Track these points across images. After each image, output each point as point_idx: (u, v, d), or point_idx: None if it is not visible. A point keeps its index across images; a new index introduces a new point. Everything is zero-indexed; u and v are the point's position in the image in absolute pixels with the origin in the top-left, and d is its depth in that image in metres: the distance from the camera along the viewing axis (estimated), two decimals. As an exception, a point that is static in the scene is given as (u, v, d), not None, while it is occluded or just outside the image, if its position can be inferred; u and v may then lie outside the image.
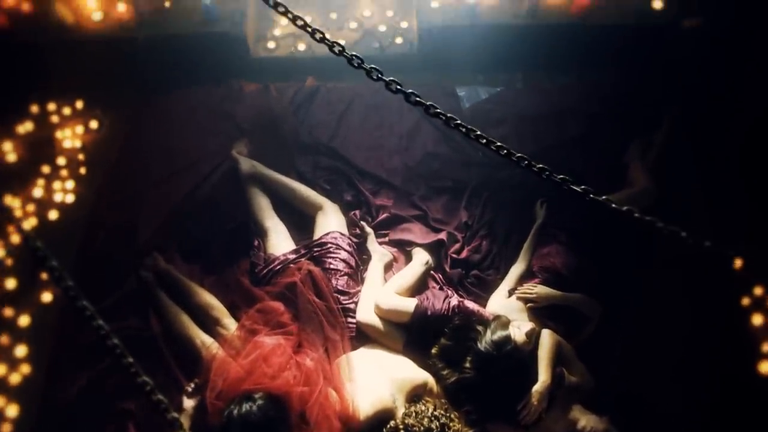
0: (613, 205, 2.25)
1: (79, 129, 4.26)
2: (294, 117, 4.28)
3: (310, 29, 2.27)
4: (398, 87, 2.25)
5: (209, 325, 3.39)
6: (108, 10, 4.22)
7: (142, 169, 4.08)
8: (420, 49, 4.43)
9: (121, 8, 4.25)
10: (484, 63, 4.38)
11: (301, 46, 4.44)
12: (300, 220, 3.81)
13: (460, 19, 4.30)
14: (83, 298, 1.83)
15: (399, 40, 4.44)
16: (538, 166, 2.17)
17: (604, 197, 2.21)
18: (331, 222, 3.67)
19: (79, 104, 4.34)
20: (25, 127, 4.19)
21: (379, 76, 2.22)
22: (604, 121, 4.13)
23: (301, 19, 2.29)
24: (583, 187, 2.19)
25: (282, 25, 4.46)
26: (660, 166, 3.83)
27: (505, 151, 2.21)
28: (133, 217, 3.88)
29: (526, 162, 2.18)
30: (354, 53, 2.27)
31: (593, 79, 4.30)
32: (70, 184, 4.07)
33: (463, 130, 2.20)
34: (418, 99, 2.23)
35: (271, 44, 4.42)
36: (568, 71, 4.34)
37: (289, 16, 2.30)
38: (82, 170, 4.15)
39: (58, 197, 4.02)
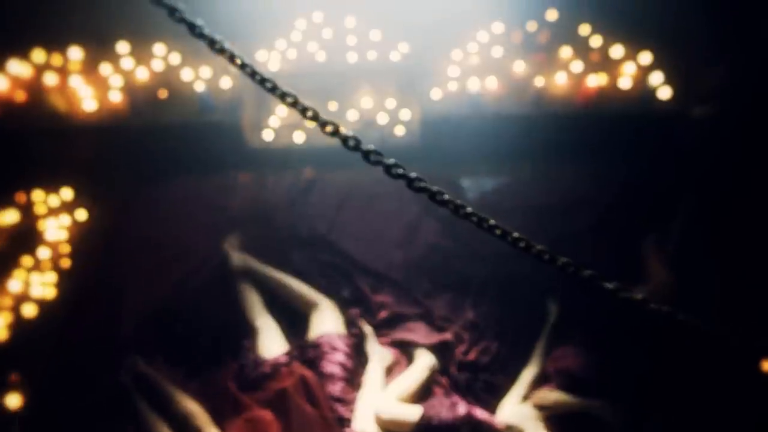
0: (649, 306, 1.91)
1: (66, 219, 3.99)
2: (290, 209, 4.03)
3: (320, 122, 1.97)
4: (400, 171, 1.94)
5: (190, 436, 2.98)
6: (102, 99, 4.02)
7: (128, 262, 3.80)
8: (422, 139, 4.19)
9: (116, 98, 4.04)
10: (489, 153, 4.13)
11: (299, 137, 4.20)
12: (294, 317, 3.49)
13: (462, 108, 4.08)
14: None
15: (400, 131, 4.21)
16: (562, 260, 1.83)
17: (639, 296, 1.86)
18: (326, 321, 3.33)
19: (67, 194, 4.08)
20: (9, 217, 3.91)
21: (379, 158, 1.91)
22: (616, 212, 3.87)
23: (312, 110, 1.99)
24: (613, 284, 1.84)
25: (280, 116, 4.24)
26: (678, 258, 3.54)
27: (524, 243, 1.87)
28: (114, 313, 3.57)
29: (548, 256, 1.84)
30: (373, 149, 1.95)
31: (603, 168, 4.04)
32: (51, 277, 3.76)
33: (475, 219, 1.87)
34: (422, 185, 1.92)
35: (267, 134, 4.19)
36: (577, 160, 4.08)
37: (299, 107, 2.00)
38: (66, 263, 3.85)
39: (37, 291, 3.69)
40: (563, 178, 4.10)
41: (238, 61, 2.03)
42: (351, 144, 1.94)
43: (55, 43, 3.98)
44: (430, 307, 3.61)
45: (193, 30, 1.97)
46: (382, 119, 4.24)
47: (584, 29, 4.02)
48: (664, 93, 3.92)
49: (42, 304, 3.68)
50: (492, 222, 1.88)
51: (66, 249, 3.92)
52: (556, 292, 3.52)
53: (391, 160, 1.94)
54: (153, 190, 4.09)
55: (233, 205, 4.03)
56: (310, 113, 1.99)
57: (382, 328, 3.52)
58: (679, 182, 3.88)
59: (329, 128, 1.97)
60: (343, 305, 3.56)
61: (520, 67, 4.04)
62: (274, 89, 2.04)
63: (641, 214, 3.81)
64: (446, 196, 1.91)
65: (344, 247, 3.86)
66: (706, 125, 3.91)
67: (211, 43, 2.01)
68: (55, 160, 4.05)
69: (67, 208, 4.06)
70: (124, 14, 3.93)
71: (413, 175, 1.94)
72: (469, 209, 1.89)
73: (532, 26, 4.08)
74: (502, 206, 3.96)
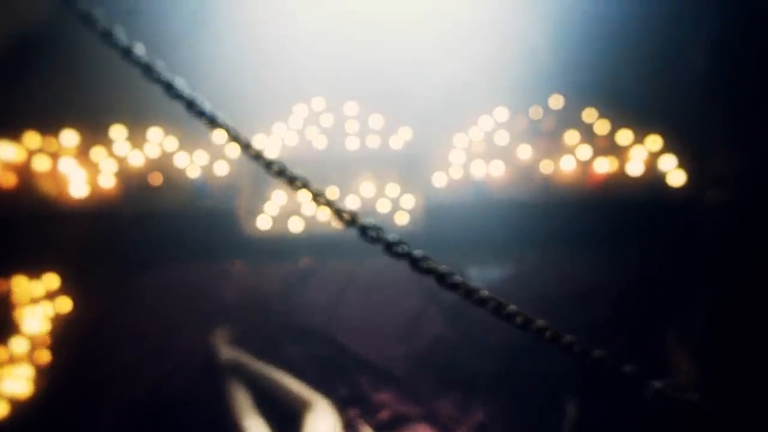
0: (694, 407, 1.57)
1: (47, 309, 3.68)
2: (285, 299, 3.74)
3: (335, 209, 1.70)
4: (404, 250, 1.65)
5: None
6: (94, 184, 3.80)
7: (110, 354, 3.51)
8: (425, 227, 3.95)
9: (108, 183, 3.82)
10: (496, 241, 3.87)
11: (297, 224, 3.95)
12: (286, 418, 3.16)
13: (467, 195, 3.86)
14: None
15: (402, 218, 3.97)
16: (597, 354, 1.51)
17: (689, 398, 1.52)
18: (321, 423, 3.00)
19: (52, 281, 3.79)
20: (-15, 307, 3.61)
21: (378, 234, 1.62)
22: (633, 302, 3.58)
23: (325, 196, 1.72)
24: (661, 381, 1.51)
25: (277, 202, 4.00)
26: (703, 349, 3.24)
27: (550, 334, 1.55)
28: (92, 410, 3.29)
29: (580, 349, 1.52)
30: (399, 239, 1.67)
31: (617, 256, 3.77)
32: (27, 372, 3.43)
33: (492, 305, 1.56)
34: (429, 264, 1.62)
35: (263, 221, 3.94)
36: (589, 248, 3.82)
37: (310, 193, 1.73)
38: (44, 356, 3.52)
39: (9, 387, 3.37)
40: (575, 267, 3.82)
41: (243, 142, 1.77)
42: (372, 235, 1.65)
43: (48, 126, 3.80)
44: (436, 407, 3.32)
45: (171, 90, 1.72)
46: (384, 207, 4.01)
47: (590, 113, 3.84)
48: (677, 178, 3.70)
49: (14, 401, 3.35)
50: (512, 308, 1.58)
51: (45, 341, 3.60)
52: (575, 390, 3.18)
53: (396, 239, 1.65)
54: (141, 279, 3.81)
55: (225, 294, 3.75)
56: (322, 199, 1.71)
57: (383, 430, 3.22)
58: (698, 270, 3.60)
59: (346, 216, 1.68)
60: (341, 404, 3.27)
61: (525, 152, 3.83)
62: (281, 173, 1.77)
63: (660, 304, 3.53)
64: (457, 278, 1.61)
65: (342, 341, 3.58)
66: (722, 211, 3.68)
67: (211, 121, 1.75)
68: (41, 245, 3.78)
69: (50, 296, 3.76)
70: (120, 98, 3.76)
71: (419, 253, 1.64)
72: (485, 293, 1.58)
73: (536, 111, 3.90)
74: (511, 297, 3.66)
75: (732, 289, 3.49)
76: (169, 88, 1.71)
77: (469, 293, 1.59)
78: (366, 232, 1.66)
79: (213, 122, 1.76)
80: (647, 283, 3.63)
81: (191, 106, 1.74)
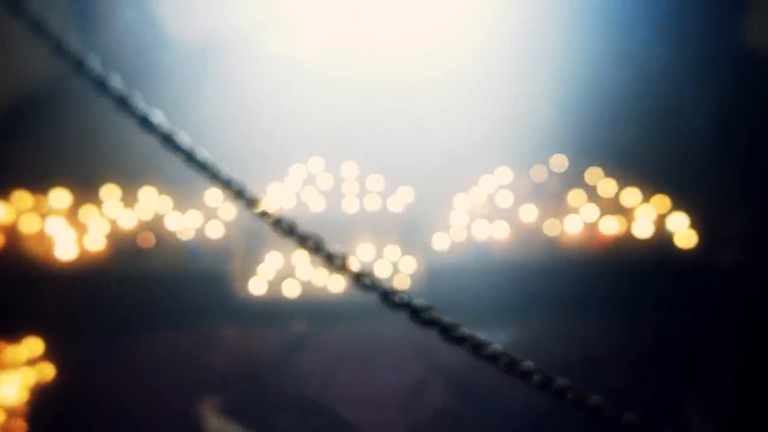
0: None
1: (27, 376, 3.44)
2: (278, 367, 3.51)
3: (353, 272, 1.48)
4: (403, 299, 1.43)
5: None
6: (83, 245, 3.62)
7: (92, 426, 3.30)
8: (427, 292, 3.74)
9: (98, 245, 3.63)
10: (501, 304, 3.64)
11: (292, 288, 3.74)
12: None
13: (469, 258, 3.67)
14: None
15: (403, 282, 3.76)
16: (628, 418, 1.27)
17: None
18: None
19: (35, 346, 3.55)
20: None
21: (373, 282, 1.41)
22: (649, 367, 3.35)
23: (341, 256, 1.51)
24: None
25: (271, 265, 3.80)
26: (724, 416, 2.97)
27: (572, 395, 1.32)
28: None
29: (610, 413, 1.28)
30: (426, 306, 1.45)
31: (629, 319, 3.54)
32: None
33: (505, 361, 1.34)
34: (432, 316, 1.40)
35: (256, 285, 3.73)
36: (599, 312, 3.60)
37: (323, 253, 1.51)
38: (20, 428, 3.27)
39: None
40: (586, 332, 3.58)
41: (248, 198, 1.56)
42: (396, 300, 1.43)
43: (38, 185, 3.65)
44: (439, 485, 2.98)
45: (169, 142, 1.51)
46: (383, 270, 3.81)
47: (595, 173, 3.69)
48: (687, 239, 3.52)
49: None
50: (528, 364, 1.35)
51: (23, 411, 3.34)
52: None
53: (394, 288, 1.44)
54: (128, 344, 3.58)
55: (215, 361, 3.52)
56: (338, 260, 1.49)
57: None
58: (714, 333, 3.37)
59: (367, 280, 1.46)
60: (336, 482, 2.95)
61: (529, 213, 3.67)
62: (291, 231, 1.55)
63: (677, 369, 3.30)
64: (464, 331, 1.39)
65: (338, 412, 3.34)
66: (736, 271, 3.48)
67: (213, 175, 1.54)
68: (25, 309, 3.55)
69: (32, 362, 3.51)
70: (112, 157, 3.65)
71: (420, 302, 1.42)
72: (497, 347, 1.36)
73: (540, 170, 3.76)
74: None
75: (750, 351, 3.27)
76: (168, 140, 1.51)
77: (477, 348, 1.37)
78: (390, 297, 1.43)
79: (215, 176, 1.55)
80: (662, 347, 3.41)
81: (191, 158, 1.54)
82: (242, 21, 3.92)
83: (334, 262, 1.48)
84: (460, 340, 1.39)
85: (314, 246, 1.50)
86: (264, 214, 1.56)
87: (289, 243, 1.54)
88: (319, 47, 3.96)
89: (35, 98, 3.61)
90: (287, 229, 1.52)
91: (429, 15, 3.88)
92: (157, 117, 1.47)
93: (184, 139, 1.52)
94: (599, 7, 3.65)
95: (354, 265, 1.48)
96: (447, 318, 1.42)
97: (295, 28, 4.00)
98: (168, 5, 3.85)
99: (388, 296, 1.42)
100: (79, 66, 1.37)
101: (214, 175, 1.53)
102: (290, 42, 4.01)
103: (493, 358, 1.37)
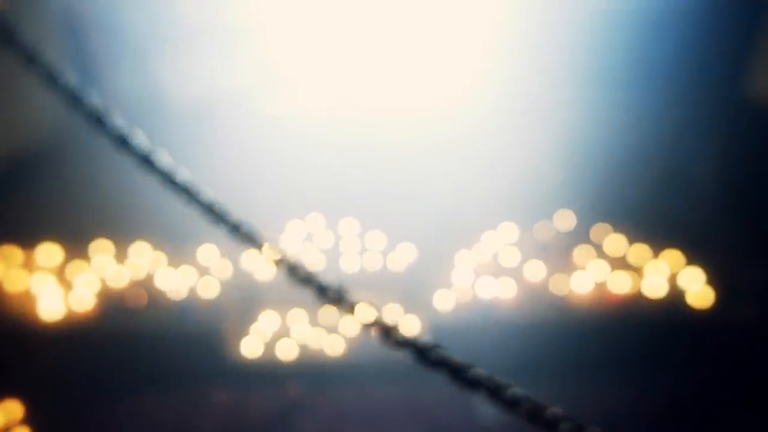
0: None
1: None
2: None
3: (382, 325, 1.29)
4: (405, 338, 1.24)
5: None
6: (71, 303, 3.43)
7: None
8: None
9: (87, 302, 3.44)
10: (506, 364, 3.41)
11: (287, 349, 3.51)
12: None
13: (474, 317, 3.49)
14: None
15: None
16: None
17: None
18: None
19: (13, 409, 3.28)
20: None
21: (405, 338, 1.24)
22: (668, 428, 3.10)
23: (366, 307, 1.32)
24: None
25: (266, 325, 3.59)
26: None
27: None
28: None
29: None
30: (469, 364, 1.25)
31: (643, 380, 3.30)
32: None
33: (528, 408, 1.14)
34: (440, 355, 1.21)
35: (252, 345, 3.50)
36: (611, 373, 3.36)
37: (345, 304, 1.32)
38: None
39: None
40: (597, 393, 3.32)
41: (258, 243, 1.36)
42: (432, 355, 1.22)
43: (27, 240, 3.50)
44: None
45: (170, 181, 1.32)
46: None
47: (603, 229, 3.53)
48: (701, 295, 3.32)
49: None
50: (555, 411, 1.14)
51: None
52: None
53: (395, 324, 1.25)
54: (112, 408, 3.34)
55: (206, 425, 3.29)
56: (365, 314, 1.28)
57: None
58: (735, 391, 3.12)
59: (399, 336, 1.26)
60: None
61: (535, 270, 3.49)
62: (308, 280, 1.33)
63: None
64: (479, 372, 1.19)
65: None
66: (752, 328, 3.26)
67: (220, 218, 1.35)
68: (6, 370, 3.31)
69: (8, 427, 3.24)
70: (104, 213, 3.53)
71: (427, 341, 1.23)
72: (519, 391, 1.16)
73: (545, 226, 3.61)
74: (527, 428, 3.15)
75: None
76: (169, 179, 1.34)
77: (496, 391, 1.16)
78: (427, 353, 1.22)
79: (222, 219, 1.35)
80: (681, 407, 3.16)
81: (192, 198, 1.35)
82: (241, 82, 3.89)
83: (355, 312, 1.28)
84: (474, 383, 1.20)
85: (336, 298, 1.29)
86: (280, 261, 1.36)
87: (304, 293, 1.34)
88: (318, 107, 3.92)
89: (26, 153, 3.52)
90: (304, 278, 1.31)
91: (432, 76, 3.85)
92: (161, 156, 1.30)
93: (187, 178, 1.33)
94: (605, 65, 3.60)
95: (383, 318, 1.29)
96: (458, 359, 1.21)
97: (296, 89, 3.97)
98: (164, 67, 3.81)
99: (424, 353, 1.21)
100: (77, 101, 1.22)
101: (220, 218, 1.33)
102: (290, 102, 3.97)
103: (513, 403, 1.17)
